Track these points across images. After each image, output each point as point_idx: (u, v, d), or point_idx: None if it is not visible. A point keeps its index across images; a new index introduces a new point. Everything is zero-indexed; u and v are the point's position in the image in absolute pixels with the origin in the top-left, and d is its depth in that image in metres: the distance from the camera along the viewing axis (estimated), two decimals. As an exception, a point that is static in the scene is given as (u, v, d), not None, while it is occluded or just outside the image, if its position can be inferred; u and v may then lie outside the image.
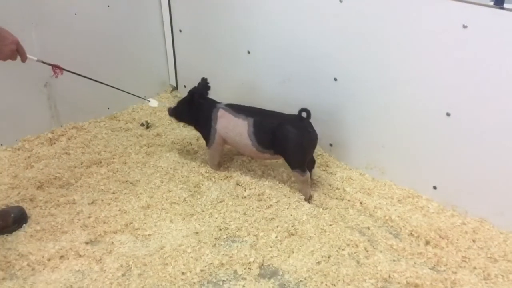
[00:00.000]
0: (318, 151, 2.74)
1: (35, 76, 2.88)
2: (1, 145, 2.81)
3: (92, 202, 2.38)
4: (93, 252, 2.06)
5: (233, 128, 2.45)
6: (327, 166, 2.66)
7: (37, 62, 2.15)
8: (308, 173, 2.38)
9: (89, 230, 2.21)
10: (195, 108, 2.55)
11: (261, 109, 2.49)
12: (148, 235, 2.18)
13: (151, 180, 2.54)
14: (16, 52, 1.93)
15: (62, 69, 2.27)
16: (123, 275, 1.96)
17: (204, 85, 2.56)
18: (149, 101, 2.67)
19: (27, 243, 2.10)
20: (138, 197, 2.41)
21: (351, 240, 2.12)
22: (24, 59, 1.98)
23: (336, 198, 2.43)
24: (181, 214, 2.30)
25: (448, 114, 2.18)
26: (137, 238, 2.17)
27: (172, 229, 2.20)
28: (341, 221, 2.26)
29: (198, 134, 2.74)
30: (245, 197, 2.41)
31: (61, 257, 2.05)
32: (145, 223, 2.25)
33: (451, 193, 2.31)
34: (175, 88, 3.61)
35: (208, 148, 2.61)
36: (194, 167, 2.66)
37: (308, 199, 2.40)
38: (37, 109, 2.95)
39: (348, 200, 2.41)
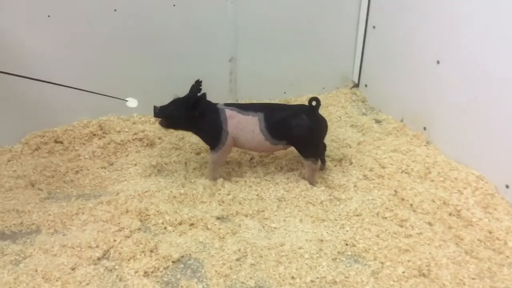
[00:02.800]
0: (489, 190, 2.34)
1: (222, 50, 3.06)
2: (180, 108, 3.07)
3: (236, 181, 2.45)
4: (219, 228, 2.12)
5: (244, 127, 2.32)
6: (494, 209, 2.25)
7: None
8: (319, 162, 2.40)
9: (224, 206, 2.28)
10: (197, 113, 2.29)
11: (264, 103, 2.46)
12: (274, 228, 2.16)
13: (295, 173, 2.49)
14: None
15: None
16: (237, 259, 1.97)
17: (198, 89, 2.34)
18: (127, 100, 2.37)
19: (167, 203, 2.27)
20: (276, 187, 2.40)
21: (492, 305, 1.78)
22: None
23: (493, 250, 2.05)
24: (313, 216, 2.21)
25: None
26: (263, 227, 2.17)
27: (299, 229, 2.14)
28: (489, 278, 1.90)
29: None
30: (386, 218, 2.21)
31: (191, 224, 2.16)
32: (276, 215, 2.23)
33: None
34: (356, 85, 3.47)
35: (214, 153, 2.39)
36: (344, 171, 2.53)
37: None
38: (218, 81, 3.14)
39: (507, 257, 2.01)
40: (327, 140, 2.79)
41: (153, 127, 2.86)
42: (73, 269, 1.90)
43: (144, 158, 2.64)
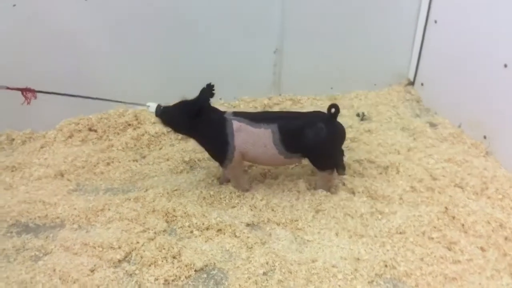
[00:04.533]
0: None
1: (267, 41, 2.89)
2: (220, 99, 2.93)
3: (270, 186, 2.29)
4: (248, 237, 1.98)
5: (254, 142, 2.06)
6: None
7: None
8: (335, 172, 2.22)
9: (255, 212, 2.14)
10: (200, 121, 2.06)
11: (277, 112, 2.22)
12: (307, 240, 1.99)
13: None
14: None
15: (34, 91, 2.02)
16: (264, 273, 1.83)
17: (211, 94, 2.08)
18: (148, 106, 2.14)
19: (196, 205, 2.15)
20: (313, 194, 2.21)
21: None
22: None
23: (555, 286, 1.80)
24: (350, 230, 2.02)
25: None
26: (295, 239, 2.01)
27: (334, 244, 1.96)
28: (548, 320, 1.67)
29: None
30: (433, 238, 1.98)
31: (219, 230, 2.03)
32: (310, 226, 2.06)
33: None
34: (411, 83, 3.20)
35: (225, 169, 2.17)
36: (390, 181, 2.31)
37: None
38: (261, 73, 2.98)
39: None
40: (373, 144, 2.59)
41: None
42: (92, 271, 1.82)
43: (177, 153, 2.53)
